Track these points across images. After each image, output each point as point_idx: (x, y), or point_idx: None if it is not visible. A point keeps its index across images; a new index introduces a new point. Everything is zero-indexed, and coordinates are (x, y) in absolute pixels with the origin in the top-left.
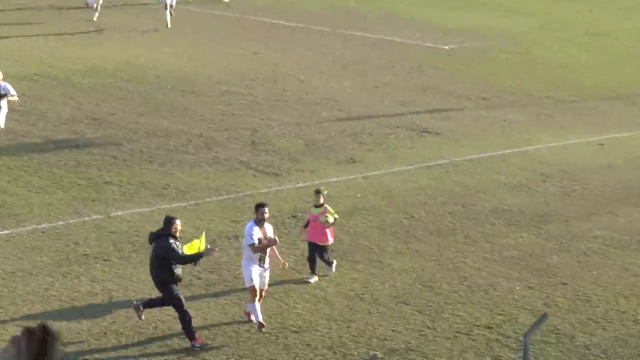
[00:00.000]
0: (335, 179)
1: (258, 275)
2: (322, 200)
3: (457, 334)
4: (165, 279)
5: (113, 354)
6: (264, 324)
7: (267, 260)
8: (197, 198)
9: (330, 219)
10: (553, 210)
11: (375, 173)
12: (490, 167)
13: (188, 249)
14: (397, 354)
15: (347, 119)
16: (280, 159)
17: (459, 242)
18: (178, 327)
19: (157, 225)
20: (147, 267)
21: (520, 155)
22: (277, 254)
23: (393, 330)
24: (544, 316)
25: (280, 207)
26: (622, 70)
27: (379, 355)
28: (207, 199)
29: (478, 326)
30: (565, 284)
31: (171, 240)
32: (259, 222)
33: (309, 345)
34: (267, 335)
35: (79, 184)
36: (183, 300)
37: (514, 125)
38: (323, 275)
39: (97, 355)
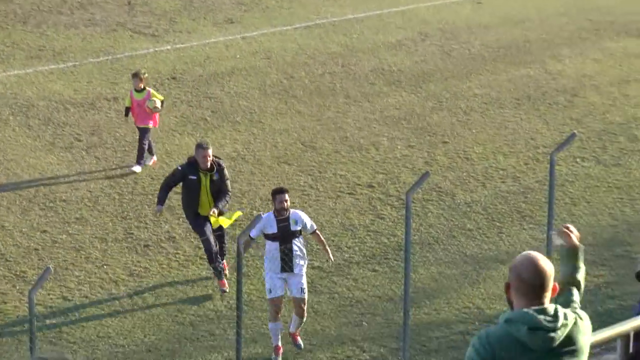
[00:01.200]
0: (213, 40)
1: (278, 283)
2: (142, 84)
3: (340, 194)
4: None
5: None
6: (281, 348)
7: (296, 261)
8: (74, 60)
9: (158, 103)
10: (433, 69)
11: (254, 33)
12: (369, 27)
13: (224, 220)
14: None
15: None
16: (158, 19)
17: (339, 102)
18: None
19: (34, 87)
20: (27, 131)
21: (399, 15)
22: (325, 245)
23: None
24: (425, 174)
25: (158, 69)
26: None
27: (262, 215)
28: (85, 61)
29: (360, 185)
30: (445, 142)
31: (179, 167)
32: (277, 212)
33: None
34: (150, 196)
35: None
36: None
37: None
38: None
39: None
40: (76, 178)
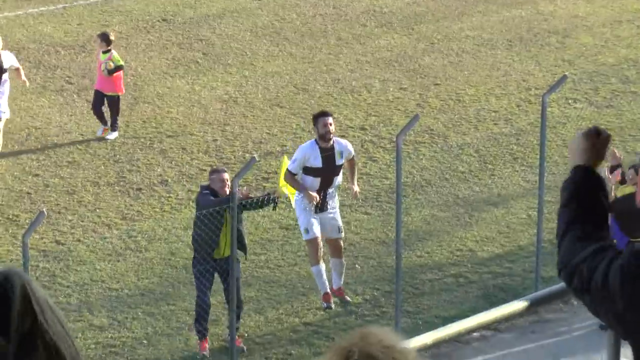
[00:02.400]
0: None
1: (316, 222)
2: (107, 45)
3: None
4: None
5: None
6: (330, 295)
7: (330, 202)
8: (64, 2)
9: (113, 65)
10: (424, 11)
11: None
12: None
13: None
14: (273, 156)
15: None
16: None
17: (331, 44)
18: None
19: (24, 30)
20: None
21: None
22: (355, 174)
23: (268, 133)
24: (415, 117)
25: (149, 10)
26: None
27: (256, 158)
28: (75, 3)
29: (352, 127)
30: (437, 84)
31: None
32: (321, 138)
33: (184, 149)
34: (142, 140)
35: None
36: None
37: None
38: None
39: None
40: (67, 121)
